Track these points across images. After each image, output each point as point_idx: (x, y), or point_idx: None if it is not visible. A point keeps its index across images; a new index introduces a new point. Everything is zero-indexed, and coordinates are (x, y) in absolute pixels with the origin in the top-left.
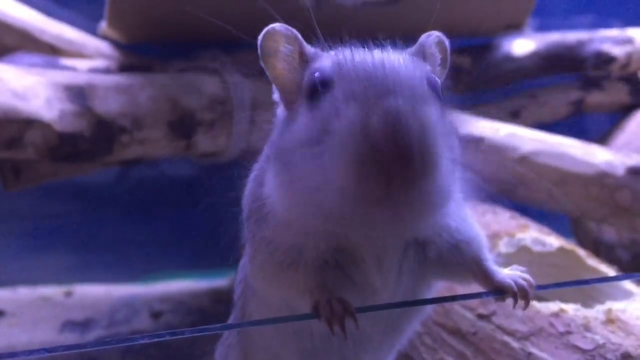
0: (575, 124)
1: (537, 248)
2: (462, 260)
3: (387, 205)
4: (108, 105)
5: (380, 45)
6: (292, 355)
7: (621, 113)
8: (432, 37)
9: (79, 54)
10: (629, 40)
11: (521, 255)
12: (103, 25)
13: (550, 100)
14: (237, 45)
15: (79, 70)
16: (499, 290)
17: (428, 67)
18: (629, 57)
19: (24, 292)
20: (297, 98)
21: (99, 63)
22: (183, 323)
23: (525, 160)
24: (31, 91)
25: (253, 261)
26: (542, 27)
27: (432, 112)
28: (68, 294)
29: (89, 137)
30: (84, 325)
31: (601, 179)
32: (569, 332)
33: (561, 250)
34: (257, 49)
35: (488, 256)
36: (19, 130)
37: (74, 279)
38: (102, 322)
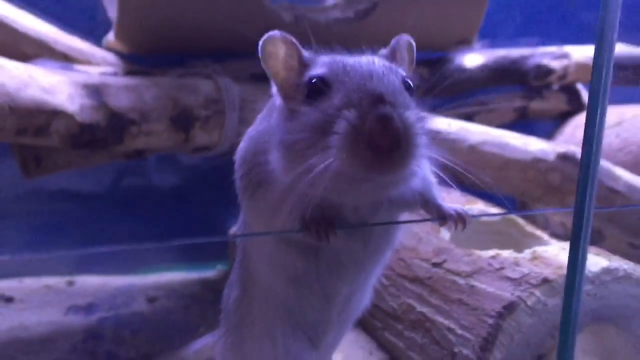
0: (520, 129)
1: (484, 218)
2: (420, 201)
3: (378, 179)
4: (119, 101)
5: (361, 51)
6: (281, 284)
7: (560, 119)
8: (402, 41)
9: (88, 62)
10: (565, 55)
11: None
12: (109, 38)
13: (498, 107)
14: (224, 55)
15: (92, 73)
16: (443, 217)
17: (402, 70)
18: (566, 69)
19: (29, 282)
20: (295, 93)
21: (107, 69)
22: (177, 306)
23: (473, 149)
24: (57, 87)
25: (253, 209)
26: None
27: (411, 114)
28: (70, 283)
29: (105, 127)
30: (87, 309)
31: (536, 164)
32: (502, 268)
33: (504, 219)
34: (242, 58)
35: (436, 195)
36: (47, 119)
37: (75, 271)
38: (103, 306)
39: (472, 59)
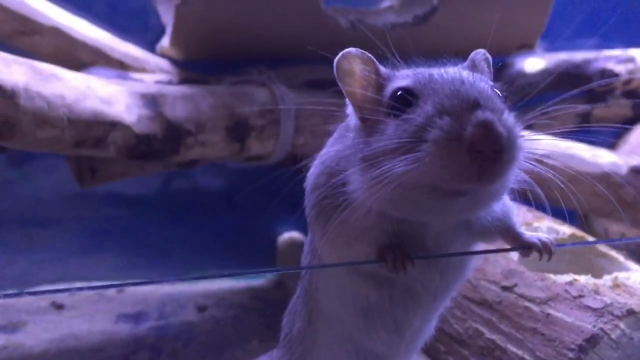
0: (582, 136)
1: (551, 235)
2: (498, 229)
3: (473, 193)
4: (176, 112)
5: (438, 63)
6: (350, 316)
7: (624, 126)
8: (480, 54)
9: (143, 70)
10: (630, 59)
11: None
12: (163, 44)
13: (559, 113)
14: (279, 61)
15: (148, 82)
16: (527, 247)
17: (487, 79)
18: (631, 74)
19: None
20: (375, 111)
21: (162, 77)
22: (227, 316)
23: (539, 161)
24: (114, 98)
25: (324, 237)
26: (551, 50)
27: (511, 119)
28: (120, 291)
29: (161, 139)
30: (136, 317)
31: (607, 178)
32: (581, 296)
33: (573, 236)
34: (297, 64)
35: (517, 222)
36: (105, 131)
37: (124, 278)
38: (153, 315)
39: (533, 63)
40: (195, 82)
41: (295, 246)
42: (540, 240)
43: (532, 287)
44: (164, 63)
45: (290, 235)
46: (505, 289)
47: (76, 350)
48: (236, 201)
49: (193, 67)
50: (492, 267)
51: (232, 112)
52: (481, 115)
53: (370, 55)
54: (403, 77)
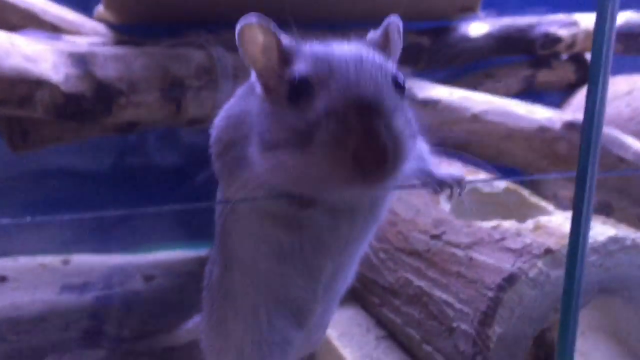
0: (527, 101)
1: (486, 189)
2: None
3: (364, 187)
4: (106, 71)
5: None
6: (265, 262)
7: (568, 90)
8: (393, 24)
9: (78, 33)
10: (574, 23)
11: (473, 196)
12: (99, 9)
13: (504, 78)
14: (219, 25)
15: (79, 42)
16: (440, 183)
17: (391, 66)
18: (574, 38)
19: (23, 261)
20: (276, 86)
21: (95, 40)
22: (173, 284)
23: (476, 118)
24: (40, 56)
25: (232, 187)
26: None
27: (400, 122)
28: (65, 262)
29: (91, 98)
30: (82, 288)
31: (542, 133)
32: (503, 239)
33: (507, 190)
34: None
35: (430, 162)
36: (30, 89)
37: (70, 251)
38: (98, 285)
39: (477, 27)
40: (130, 45)
41: None
42: (451, 176)
43: (459, 234)
44: (100, 27)
45: None
46: (434, 237)
47: (17, 320)
48: (189, 175)
49: (130, 31)
50: (423, 218)
51: (167, 73)
52: (367, 123)
53: (271, 23)
54: (304, 60)
